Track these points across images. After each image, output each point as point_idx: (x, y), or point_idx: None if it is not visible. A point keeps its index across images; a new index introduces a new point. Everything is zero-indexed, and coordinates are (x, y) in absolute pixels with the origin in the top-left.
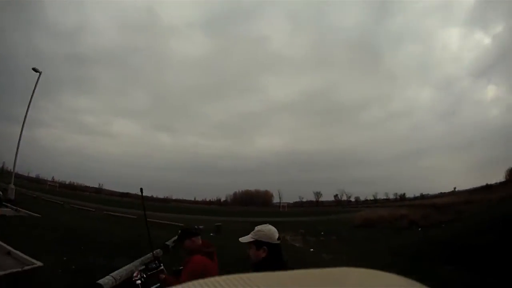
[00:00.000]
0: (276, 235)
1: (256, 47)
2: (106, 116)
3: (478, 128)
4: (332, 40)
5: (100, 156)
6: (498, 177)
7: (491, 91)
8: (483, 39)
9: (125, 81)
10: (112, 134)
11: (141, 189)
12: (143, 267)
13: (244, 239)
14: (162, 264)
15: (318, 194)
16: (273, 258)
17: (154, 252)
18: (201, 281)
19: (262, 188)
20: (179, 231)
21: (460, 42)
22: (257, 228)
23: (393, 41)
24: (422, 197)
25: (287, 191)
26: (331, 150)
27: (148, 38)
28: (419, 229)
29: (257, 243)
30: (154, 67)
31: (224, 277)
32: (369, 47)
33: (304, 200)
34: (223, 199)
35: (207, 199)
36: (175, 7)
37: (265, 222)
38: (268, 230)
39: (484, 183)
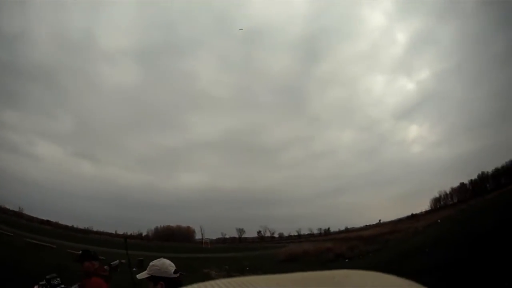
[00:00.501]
0: (172, 268)
1: (184, 83)
2: (31, 135)
3: (401, 164)
4: (259, 83)
5: (23, 177)
6: (423, 206)
7: (413, 131)
8: (407, 85)
9: (55, 101)
10: (36, 155)
11: (125, 239)
12: (44, 281)
13: (140, 276)
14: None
15: (241, 230)
16: None
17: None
18: (200, 284)
19: (184, 223)
20: (80, 252)
21: (384, 87)
22: (152, 263)
23: (319, 86)
24: (347, 230)
25: (210, 227)
26: (253, 188)
27: (84, 60)
28: (346, 260)
29: (154, 279)
30: (84, 90)
31: (225, 280)
32: (296, 91)
33: (227, 236)
34: (144, 233)
35: (128, 233)
36: (113, 32)
37: (188, 258)
38: (162, 264)
39: (409, 213)
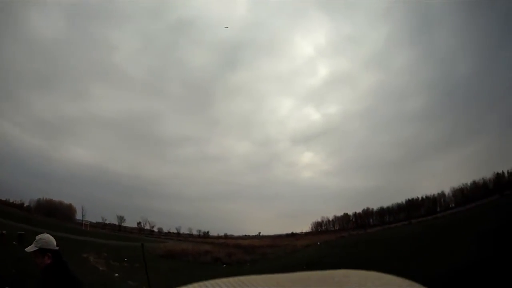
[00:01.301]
0: (55, 242)
1: (102, 52)
2: None
3: (289, 184)
4: (174, 74)
5: None
6: (303, 227)
7: (307, 157)
8: (313, 115)
9: None
10: None
11: (142, 245)
12: None
13: (29, 249)
14: None
15: (121, 218)
16: (57, 263)
17: None
18: (201, 283)
19: (66, 200)
20: None
21: (290, 111)
22: (38, 237)
23: (229, 92)
24: (226, 236)
25: (91, 209)
26: (141, 176)
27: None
28: (224, 265)
29: (42, 251)
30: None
31: (224, 279)
32: (206, 91)
33: (107, 222)
34: (26, 203)
35: (11, 200)
36: None
37: (68, 239)
38: (48, 237)
39: (289, 231)
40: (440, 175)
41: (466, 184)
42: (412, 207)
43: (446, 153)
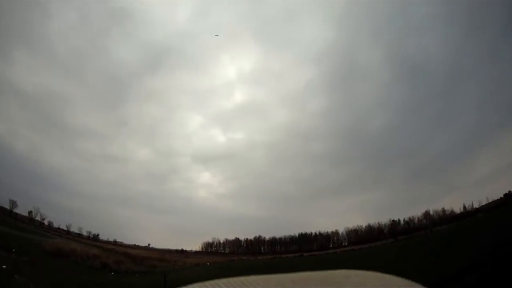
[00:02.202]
0: None
1: (35, 16)
2: None
3: (183, 200)
4: (97, 60)
5: None
6: (193, 245)
7: (205, 177)
8: (219, 137)
9: None
10: None
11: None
12: None
13: None
14: None
15: (13, 203)
16: None
17: None
18: (201, 284)
19: None
20: None
21: (198, 128)
22: None
23: (143, 94)
24: (116, 243)
25: None
26: (42, 162)
27: None
28: (112, 273)
29: None
30: None
31: (224, 280)
32: (119, 86)
33: None
34: None
35: None
36: None
37: None
38: None
39: (179, 247)
40: (337, 215)
41: (361, 226)
42: (305, 240)
43: (345, 195)
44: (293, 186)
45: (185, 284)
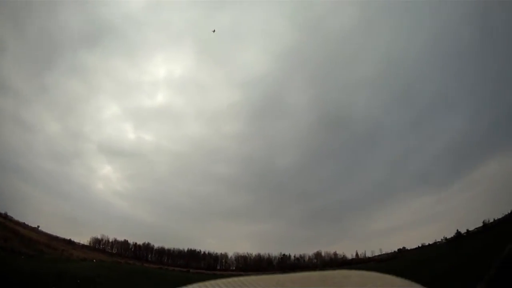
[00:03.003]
0: None
1: None
2: None
3: (80, 187)
4: (36, 19)
5: None
6: (82, 238)
7: (106, 170)
8: (129, 133)
9: None
10: None
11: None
12: None
13: None
14: None
15: None
16: None
17: None
18: (201, 284)
19: None
20: None
21: (113, 118)
22: None
23: (73, 67)
24: (6, 216)
25: None
26: None
27: None
28: None
29: None
30: None
31: (224, 280)
32: (53, 49)
33: None
34: None
35: None
36: None
37: None
38: None
39: (68, 236)
40: (228, 238)
41: (251, 254)
42: (193, 257)
43: (239, 221)
44: (189, 201)
45: (69, 279)
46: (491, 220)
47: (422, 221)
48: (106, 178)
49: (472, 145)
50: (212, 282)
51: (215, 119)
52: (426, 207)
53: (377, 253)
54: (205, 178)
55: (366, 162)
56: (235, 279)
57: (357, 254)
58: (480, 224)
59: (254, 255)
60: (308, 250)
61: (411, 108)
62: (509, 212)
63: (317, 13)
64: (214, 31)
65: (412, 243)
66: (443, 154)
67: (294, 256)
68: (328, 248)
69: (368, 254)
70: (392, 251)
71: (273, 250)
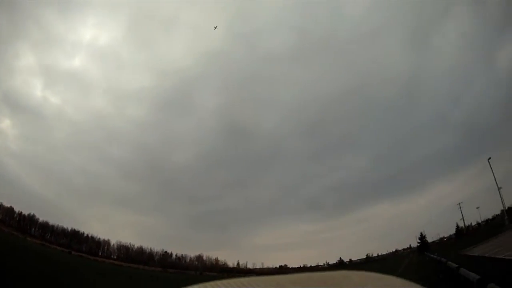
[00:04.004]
0: None
1: None
2: None
3: None
4: None
5: None
6: None
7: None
8: (38, 90)
9: None
10: None
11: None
12: None
13: None
14: None
15: None
16: None
17: None
18: (200, 285)
19: None
20: None
21: (24, 70)
22: None
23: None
24: None
25: None
26: None
27: None
28: None
29: None
30: None
31: (224, 281)
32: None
33: None
34: None
35: None
36: None
37: None
38: None
39: None
40: (113, 225)
41: (133, 245)
42: (76, 238)
43: (125, 209)
44: (80, 178)
45: None
46: (375, 255)
47: (307, 244)
48: (2, 132)
49: (369, 186)
50: (212, 283)
51: (123, 99)
52: (313, 232)
53: (258, 266)
54: (100, 157)
55: (261, 179)
56: (235, 280)
57: (238, 264)
58: (364, 256)
59: (136, 247)
60: (190, 252)
61: (315, 141)
62: (393, 251)
63: (254, 28)
64: (215, 27)
65: (294, 263)
66: (340, 188)
67: (176, 255)
68: (210, 252)
69: (250, 266)
70: (274, 266)
71: (155, 245)
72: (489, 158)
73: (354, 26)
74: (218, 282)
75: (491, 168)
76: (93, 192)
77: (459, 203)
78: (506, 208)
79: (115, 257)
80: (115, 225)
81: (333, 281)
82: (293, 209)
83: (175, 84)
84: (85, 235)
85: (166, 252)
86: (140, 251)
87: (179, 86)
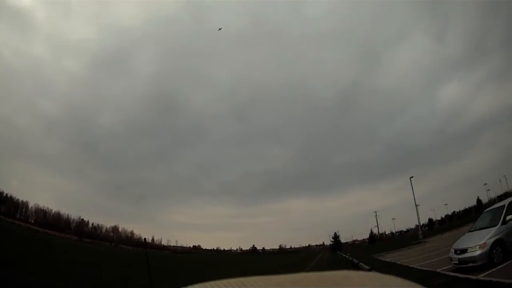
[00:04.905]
0: None
1: None
2: None
3: None
4: None
5: None
6: None
7: None
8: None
9: None
10: None
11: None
12: None
13: None
14: None
15: None
16: None
17: None
18: (201, 284)
19: None
20: None
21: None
22: None
23: None
24: None
25: None
26: None
27: None
28: None
29: None
30: None
31: (224, 280)
32: None
33: None
34: None
35: None
36: None
37: None
38: None
39: None
40: (34, 185)
41: (51, 209)
42: None
43: (49, 170)
44: (5, 127)
45: None
46: (288, 247)
47: (222, 226)
48: None
49: (289, 180)
50: (212, 283)
51: (62, 49)
52: (229, 216)
53: (172, 243)
54: (28, 107)
55: (183, 155)
56: (235, 279)
57: (153, 239)
58: (277, 247)
59: (54, 212)
60: (106, 222)
61: (243, 127)
62: (306, 245)
63: (209, 1)
64: (220, 29)
65: (208, 244)
66: (261, 177)
67: (92, 224)
68: (126, 225)
69: (164, 242)
70: (188, 246)
71: (73, 211)
72: (411, 177)
73: (309, 26)
74: (218, 282)
75: (412, 186)
76: (16, 146)
77: (376, 212)
78: (421, 224)
79: (32, 221)
80: (35, 185)
81: (333, 281)
82: (212, 190)
83: (116, 43)
84: (5, 194)
85: (83, 220)
86: (58, 216)
87: (120, 45)
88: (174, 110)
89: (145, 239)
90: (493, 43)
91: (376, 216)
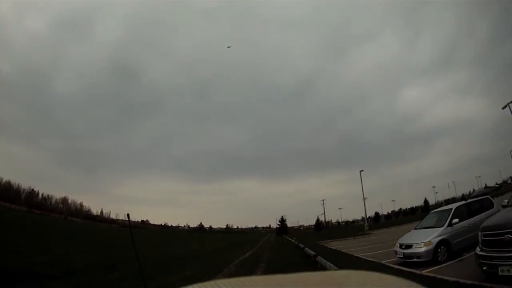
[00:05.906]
0: None
1: None
2: None
3: None
4: None
5: None
6: None
7: None
8: None
9: None
10: None
11: (128, 215)
12: None
13: None
14: None
15: None
16: None
17: None
18: (200, 284)
19: None
20: None
21: None
22: None
23: None
24: None
25: None
26: None
27: None
28: None
29: None
30: None
31: (224, 280)
32: None
33: None
34: None
35: None
36: None
37: None
38: None
39: None
40: None
41: (2, 179)
42: None
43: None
44: None
45: None
46: (234, 227)
47: (171, 202)
48: None
49: (241, 161)
50: (212, 282)
51: (27, 7)
52: (178, 192)
53: (121, 217)
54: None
55: (136, 127)
56: (235, 279)
57: (102, 212)
58: (224, 226)
59: (4, 181)
60: (56, 192)
61: (200, 104)
62: (252, 227)
63: None
64: (229, 47)
65: (156, 220)
66: (214, 155)
67: (42, 195)
68: (75, 196)
69: (113, 216)
70: (136, 220)
71: (23, 180)
72: (361, 171)
73: (279, 9)
74: (218, 282)
75: (361, 179)
76: None
77: (323, 200)
78: (368, 217)
79: None
80: None
81: (333, 281)
82: (164, 165)
83: (81, 5)
84: None
85: (33, 190)
86: (8, 186)
87: (85, 8)
88: (132, 81)
89: (128, 215)
90: (461, 58)
91: (323, 204)
